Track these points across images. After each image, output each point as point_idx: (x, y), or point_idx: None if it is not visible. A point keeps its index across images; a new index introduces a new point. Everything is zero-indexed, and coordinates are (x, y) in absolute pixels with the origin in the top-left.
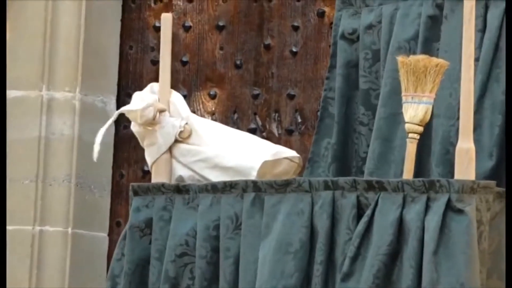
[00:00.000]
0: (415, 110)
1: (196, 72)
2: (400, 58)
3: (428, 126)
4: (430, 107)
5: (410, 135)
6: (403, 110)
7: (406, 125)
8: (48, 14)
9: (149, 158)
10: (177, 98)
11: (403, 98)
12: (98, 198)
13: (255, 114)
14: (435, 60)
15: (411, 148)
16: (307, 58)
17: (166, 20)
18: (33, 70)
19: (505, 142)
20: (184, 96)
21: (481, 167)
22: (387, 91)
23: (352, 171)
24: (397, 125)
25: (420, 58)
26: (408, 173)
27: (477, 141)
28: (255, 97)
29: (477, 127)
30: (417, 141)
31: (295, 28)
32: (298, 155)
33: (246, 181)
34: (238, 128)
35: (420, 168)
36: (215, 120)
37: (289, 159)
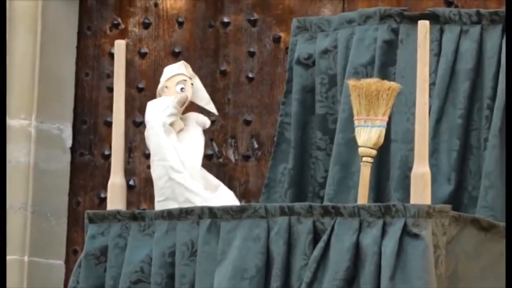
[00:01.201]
0: (368, 134)
1: (152, 98)
2: (351, 82)
3: (386, 151)
4: (384, 130)
5: (364, 159)
6: (356, 134)
7: (360, 149)
8: None
9: None
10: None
11: (356, 122)
12: (55, 226)
13: (211, 140)
14: (387, 83)
15: (365, 172)
16: (263, 83)
17: (120, 47)
18: None
19: (462, 167)
20: (140, 123)
21: (440, 192)
22: (345, 116)
23: (308, 196)
24: (355, 150)
25: (372, 82)
26: (362, 197)
27: (435, 166)
28: (212, 123)
29: (434, 151)
30: (371, 164)
31: (251, 54)
32: None
33: (202, 208)
34: None
35: (379, 193)
36: None
37: None
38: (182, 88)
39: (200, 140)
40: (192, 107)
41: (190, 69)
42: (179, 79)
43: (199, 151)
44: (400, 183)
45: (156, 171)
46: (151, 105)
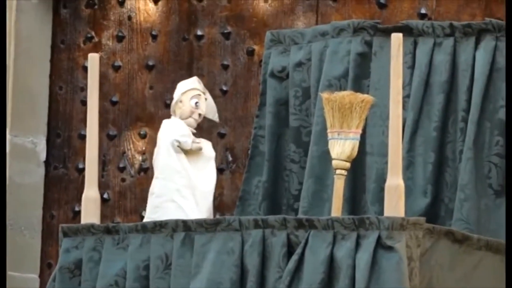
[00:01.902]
0: (341, 147)
1: (126, 111)
2: (324, 95)
3: (361, 164)
4: (357, 143)
5: (338, 171)
6: (330, 146)
7: (333, 162)
8: None
9: None
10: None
11: (329, 135)
12: (29, 240)
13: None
14: (360, 96)
15: (338, 185)
16: (237, 96)
17: (94, 60)
18: None
19: (438, 179)
20: (114, 136)
21: (416, 205)
22: (319, 129)
23: (283, 209)
24: (329, 163)
25: (345, 94)
26: (336, 210)
27: (411, 179)
28: None
29: (410, 165)
30: (344, 177)
31: (225, 67)
32: None
33: (176, 221)
34: None
35: (355, 206)
36: (145, 160)
37: None
38: (196, 103)
39: (213, 167)
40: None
41: (202, 84)
42: (193, 94)
43: (212, 179)
44: (376, 196)
45: (156, 188)
46: (165, 124)
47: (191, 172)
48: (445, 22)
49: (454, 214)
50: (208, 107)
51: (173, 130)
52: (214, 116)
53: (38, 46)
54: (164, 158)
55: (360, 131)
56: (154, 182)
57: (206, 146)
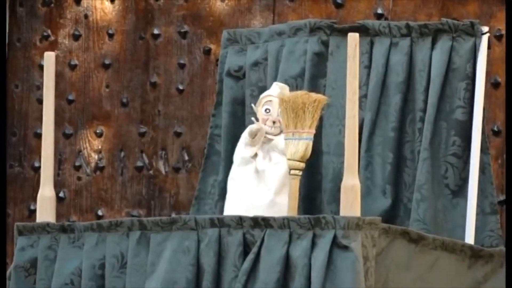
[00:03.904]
0: (295, 147)
1: (82, 110)
2: (279, 96)
3: (318, 163)
4: (311, 142)
5: (292, 171)
6: (285, 147)
7: (288, 162)
8: None
9: None
10: None
11: (284, 135)
12: None
13: (142, 152)
14: (313, 95)
15: (293, 185)
16: (194, 95)
17: (49, 59)
18: None
19: (396, 179)
20: (70, 135)
21: (375, 205)
22: None
23: None
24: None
25: (299, 95)
26: (292, 210)
27: (369, 179)
28: (142, 135)
29: (368, 165)
30: (299, 177)
31: (181, 66)
32: None
33: (131, 220)
34: (124, 166)
35: (310, 205)
36: (102, 158)
37: None
38: (267, 109)
39: (279, 169)
40: None
41: (285, 90)
42: (265, 100)
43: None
44: (332, 195)
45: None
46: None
47: (252, 185)
48: (401, 22)
49: (411, 214)
50: None
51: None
52: None
53: None
54: (236, 173)
55: (313, 131)
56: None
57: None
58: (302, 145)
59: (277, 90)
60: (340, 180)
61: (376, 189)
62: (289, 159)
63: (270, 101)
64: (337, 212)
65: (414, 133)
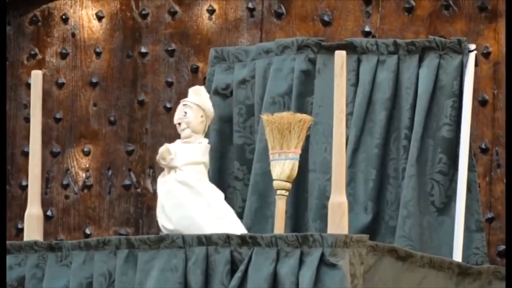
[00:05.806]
0: (281, 167)
1: (69, 128)
2: (264, 117)
3: (304, 181)
4: (297, 162)
5: (278, 192)
6: (271, 167)
7: (274, 182)
8: None
9: None
10: None
11: (270, 156)
12: None
13: (129, 170)
14: (299, 116)
15: (280, 205)
16: None
17: (37, 77)
18: None
19: (379, 196)
20: (58, 153)
21: (357, 221)
22: (262, 146)
23: None
24: (272, 181)
25: (284, 115)
26: (279, 230)
27: (352, 195)
28: (130, 153)
29: (351, 181)
30: (286, 197)
31: (169, 84)
32: None
33: (119, 238)
34: (112, 184)
35: (297, 223)
36: (89, 177)
37: None
38: (185, 112)
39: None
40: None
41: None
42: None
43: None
44: (318, 212)
45: None
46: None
47: None
48: (389, 40)
49: (396, 230)
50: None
51: None
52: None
53: None
54: None
55: (299, 150)
56: None
57: None
58: (288, 165)
59: (189, 96)
60: (326, 197)
61: (358, 205)
62: (275, 179)
63: (185, 105)
64: (322, 229)
65: (398, 151)
